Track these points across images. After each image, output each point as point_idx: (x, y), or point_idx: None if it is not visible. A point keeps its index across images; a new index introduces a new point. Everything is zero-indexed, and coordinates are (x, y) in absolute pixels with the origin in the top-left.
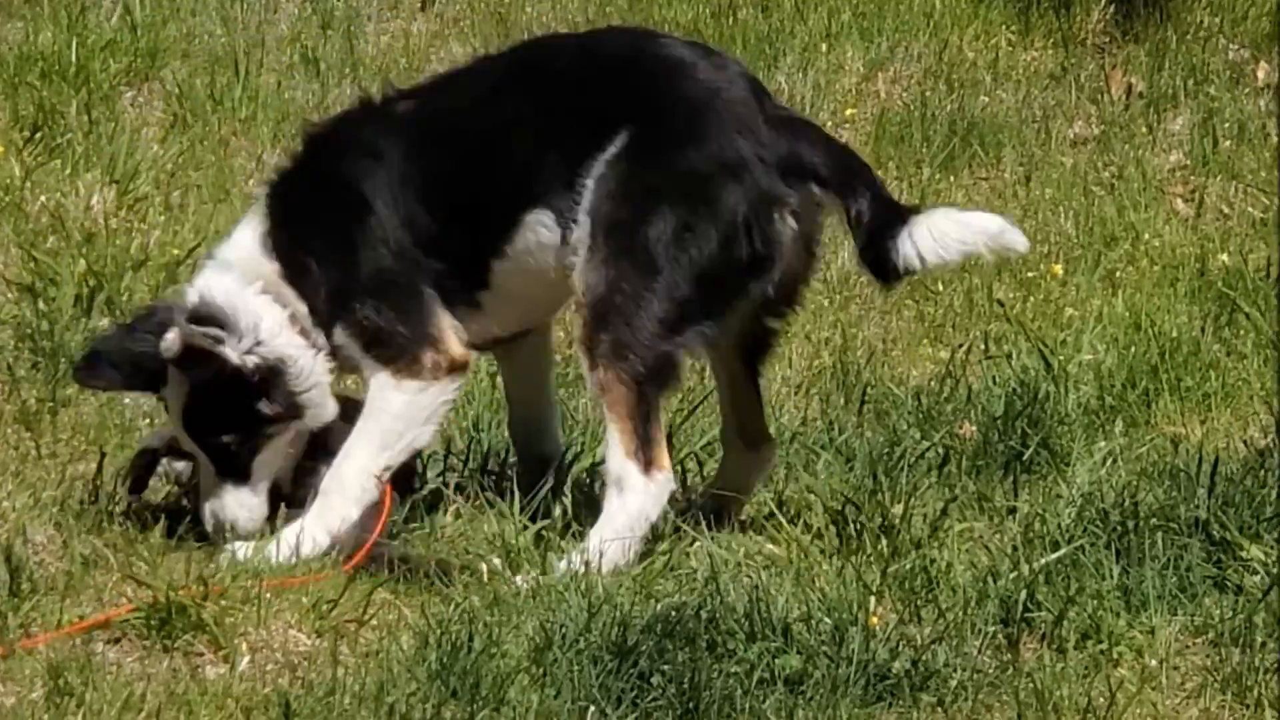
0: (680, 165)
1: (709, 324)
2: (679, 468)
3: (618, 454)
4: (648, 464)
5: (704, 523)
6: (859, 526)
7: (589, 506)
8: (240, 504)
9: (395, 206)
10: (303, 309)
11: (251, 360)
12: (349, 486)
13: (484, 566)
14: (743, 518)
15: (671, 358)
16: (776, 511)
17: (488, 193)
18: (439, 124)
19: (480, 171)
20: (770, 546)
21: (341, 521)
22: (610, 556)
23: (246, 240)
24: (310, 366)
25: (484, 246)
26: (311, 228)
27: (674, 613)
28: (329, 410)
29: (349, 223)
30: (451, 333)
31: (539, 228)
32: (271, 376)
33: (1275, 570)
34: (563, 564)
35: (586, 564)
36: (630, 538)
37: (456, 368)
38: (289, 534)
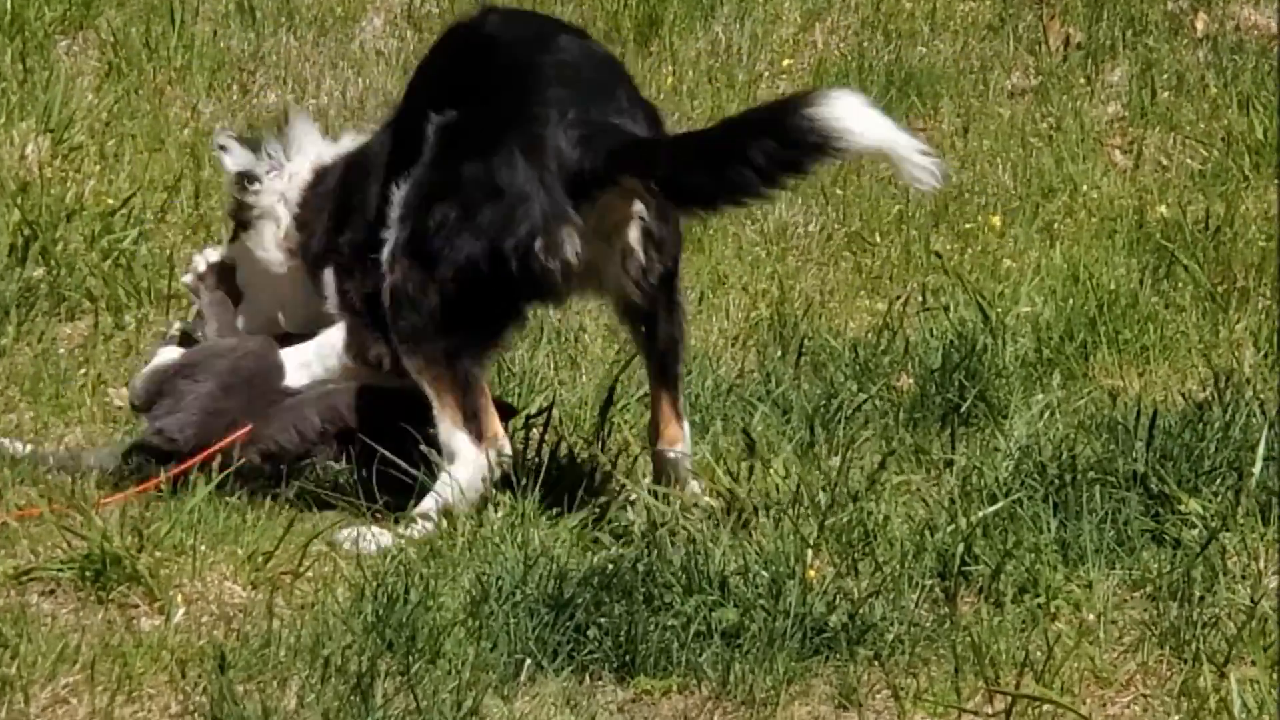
0: (465, 173)
1: (484, 333)
2: (618, 424)
3: (446, 426)
4: (479, 435)
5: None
6: (797, 479)
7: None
8: None
9: None
10: None
11: None
12: None
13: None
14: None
15: (465, 341)
16: (714, 464)
17: None
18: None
19: None
20: (707, 499)
21: None
22: (430, 525)
23: None
24: None
25: None
26: None
27: (611, 565)
28: None
29: None
30: None
31: None
32: None
33: (1213, 524)
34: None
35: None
36: (460, 505)
37: None
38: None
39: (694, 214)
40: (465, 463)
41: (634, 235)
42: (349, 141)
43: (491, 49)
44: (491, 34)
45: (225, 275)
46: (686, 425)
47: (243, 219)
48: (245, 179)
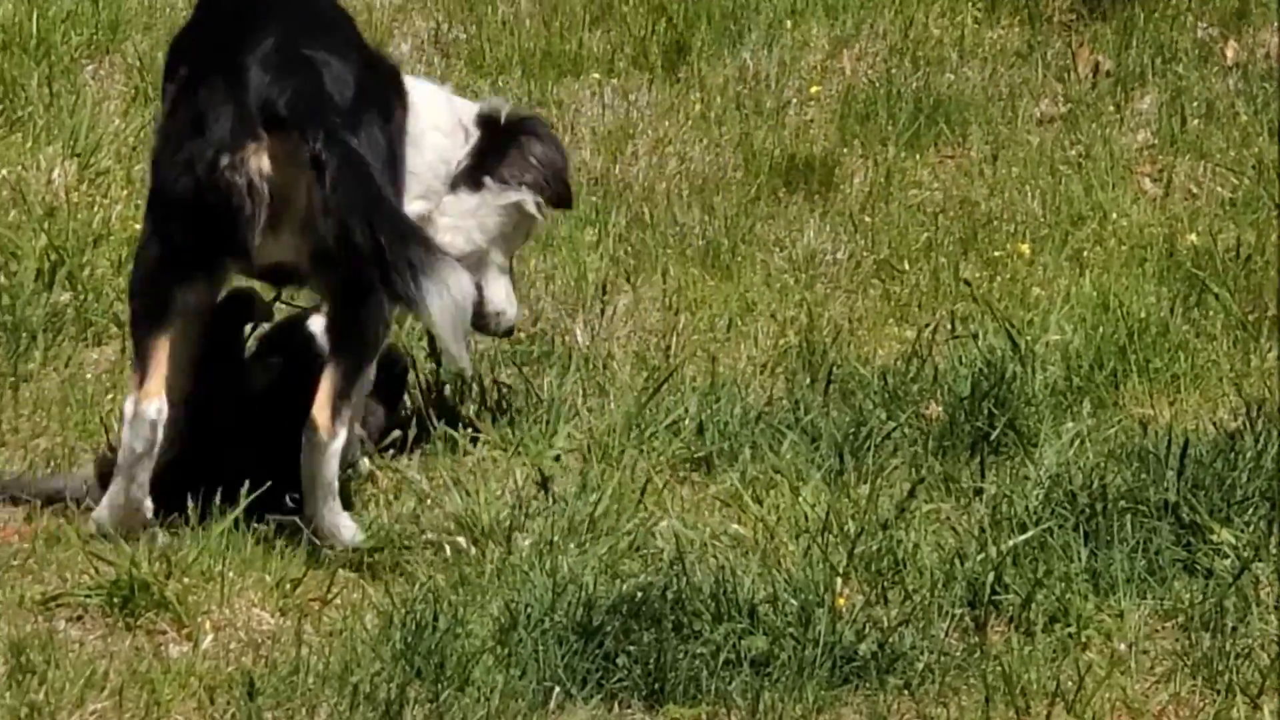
0: (172, 101)
1: (175, 270)
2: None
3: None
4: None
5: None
6: (826, 507)
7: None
8: None
9: None
10: None
11: None
12: None
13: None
14: (712, 497)
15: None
16: (743, 492)
17: None
18: None
19: None
20: (736, 527)
21: None
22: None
23: None
24: None
25: None
26: None
27: (640, 593)
28: None
29: None
30: None
31: None
32: None
33: (1245, 554)
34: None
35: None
36: (131, 471)
37: None
38: None
39: None
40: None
41: None
42: None
43: None
44: None
45: None
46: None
47: None
48: None
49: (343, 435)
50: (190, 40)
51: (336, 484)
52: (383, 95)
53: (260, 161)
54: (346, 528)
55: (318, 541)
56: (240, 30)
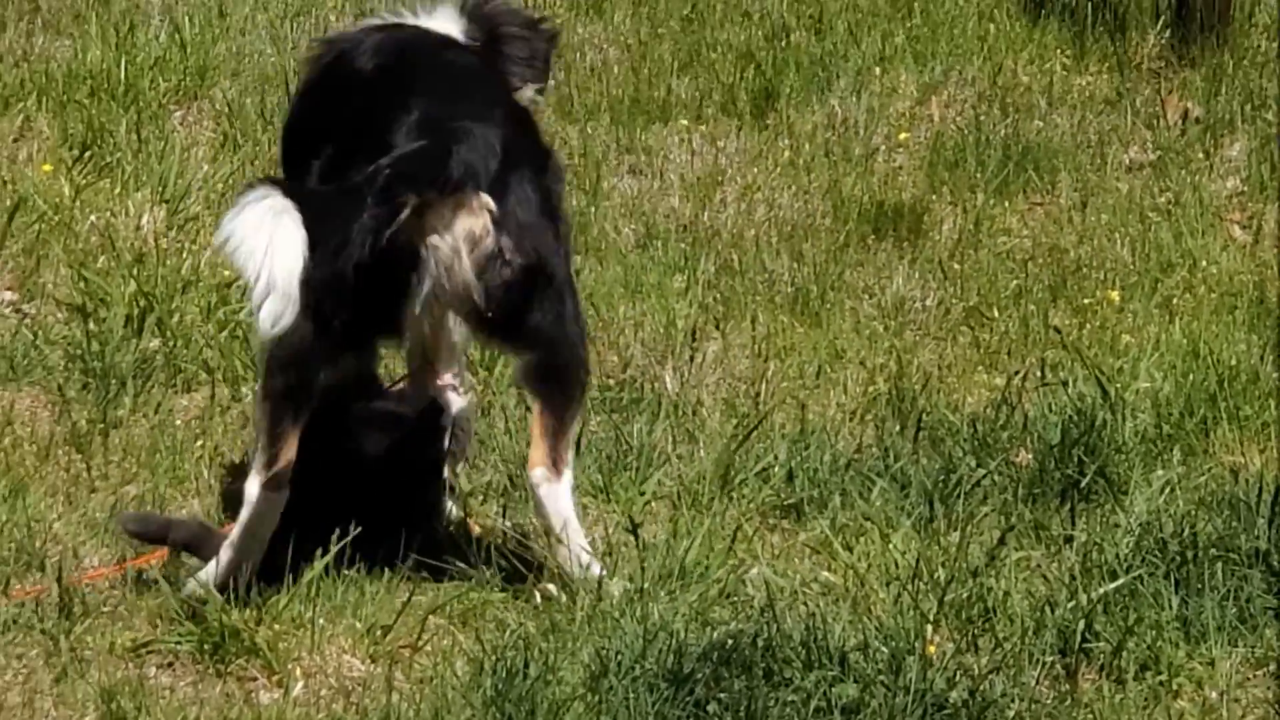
0: (301, 175)
1: (324, 350)
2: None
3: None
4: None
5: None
6: (916, 555)
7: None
8: None
9: None
10: None
11: None
12: None
13: (538, 593)
14: (802, 544)
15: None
16: (833, 539)
17: None
18: None
19: None
20: (827, 574)
21: None
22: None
23: None
24: None
25: None
26: None
27: (730, 640)
28: None
29: None
30: None
31: None
32: None
33: None
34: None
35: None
36: (248, 549)
37: None
38: None
39: None
40: (248, 502)
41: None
42: None
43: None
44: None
45: None
46: None
47: None
48: None
49: (569, 474)
50: (329, 107)
51: (578, 520)
52: (533, 146)
53: (433, 228)
54: (597, 563)
55: (569, 583)
56: (387, 98)
